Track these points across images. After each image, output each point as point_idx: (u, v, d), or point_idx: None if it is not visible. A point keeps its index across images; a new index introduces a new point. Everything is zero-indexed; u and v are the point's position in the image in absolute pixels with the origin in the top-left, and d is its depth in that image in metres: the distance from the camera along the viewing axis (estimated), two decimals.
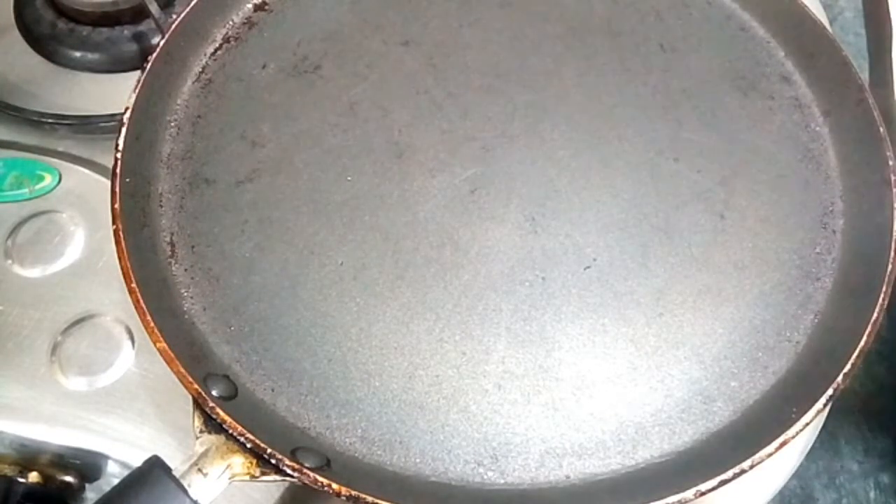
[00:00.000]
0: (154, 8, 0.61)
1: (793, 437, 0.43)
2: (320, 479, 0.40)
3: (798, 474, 0.53)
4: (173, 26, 0.54)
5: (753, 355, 0.48)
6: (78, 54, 0.65)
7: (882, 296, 0.47)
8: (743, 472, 0.42)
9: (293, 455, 0.41)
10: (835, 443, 0.76)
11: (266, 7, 0.59)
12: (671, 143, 0.54)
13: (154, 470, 0.39)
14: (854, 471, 0.75)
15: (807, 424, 0.43)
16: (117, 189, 0.48)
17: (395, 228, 0.51)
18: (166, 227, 0.50)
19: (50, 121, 0.61)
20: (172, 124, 0.54)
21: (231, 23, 0.58)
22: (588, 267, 0.50)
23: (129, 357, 0.53)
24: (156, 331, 0.43)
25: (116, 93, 0.56)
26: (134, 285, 0.44)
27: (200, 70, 0.56)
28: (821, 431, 0.55)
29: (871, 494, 0.74)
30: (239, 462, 0.41)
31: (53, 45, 0.66)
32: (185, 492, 0.39)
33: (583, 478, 0.45)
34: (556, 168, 0.53)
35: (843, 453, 0.75)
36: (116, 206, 0.47)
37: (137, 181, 0.50)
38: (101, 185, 0.58)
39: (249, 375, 0.46)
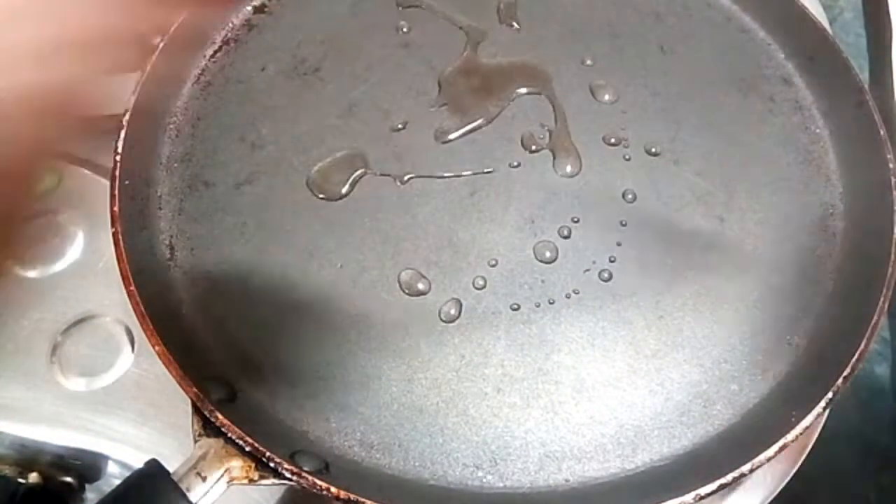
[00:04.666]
0: None
1: (793, 441, 0.43)
2: (319, 482, 0.40)
3: (798, 474, 0.53)
4: (173, 28, 0.54)
5: (753, 358, 0.48)
6: None
7: (882, 298, 0.47)
8: (742, 475, 0.42)
9: (292, 459, 0.41)
10: (835, 443, 0.75)
11: (265, 9, 0.59)
12: (671, 145, 0.54)
13: (153, 473, 0.39)
14: (854, 471, 0.75)
15: (807, 428, 0.43)
16: (116, 191, 0.48)
17: (395, 231, 0.51)
18: (165, 230, 0.50)
19: None
20: (172, 126, 0.54)
21: (230, 25, 0.58)
22: (587, 270, 0.50)
23: (128, 358, 0.53)
24: (154, 334, 0.43)
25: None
26: (133, 288, 0.44)
27: (200, 72, 0.56)
28: (821, 431, 0.55)
29: (871, 495, 0.74)
30: (238, 465, 0.41)
31: None
32: (184, 495, 0.39)
33: (582, 481, 0.45)
34: (555, 171, 0.53)
35: (843, 453, 0.75)
36: (115, 208, 0.47)
37: (136, 183, 0.50)
38: (102, 186, 0.57)
39: (248, 378, 0.46)
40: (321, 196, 0.51)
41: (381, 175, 0.52)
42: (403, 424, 0.45)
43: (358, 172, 0.52)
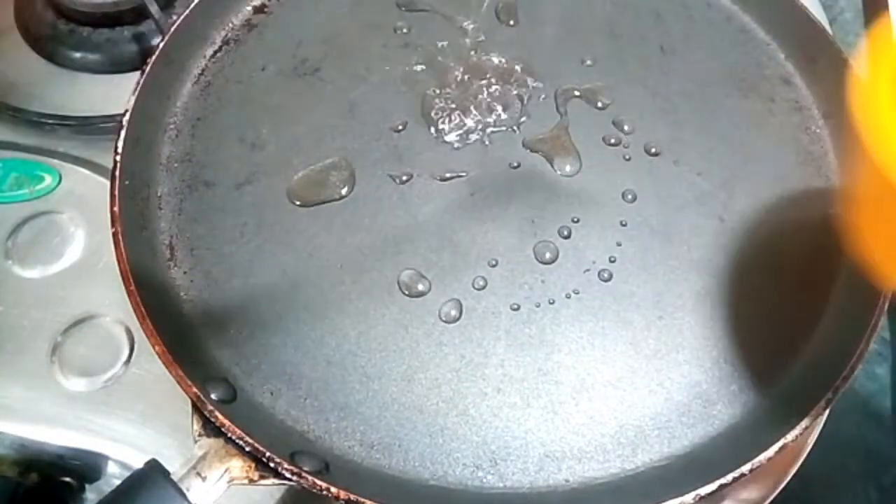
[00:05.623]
0: (154, 9, 0.61)
1: (792, 441, 0.43)
2: (319, 482, 0.40)
3: (798, 474, 0.53)
4: (173, 28, 0.54)
5: (753, 358, 0.48)
6: (78, 55, 0.65)
7: (882, 299, 0.47)
8: (742, 475, 0.42)
9: (292, 459, 0.41)
10: (835, 443, 0.75)
11: (265, 9, 0.59)
12: (671, 145, 0.54)
13: (153, 474, 0.39)
14: (854, 471, 0.75)
15: (807, 428, 0.43)
16: (116, 191, 0.48)
17: (395, 231, 0.50)
18: (165, 230, 0.50)
19: (50, 121, 0.61)
20: (172, 126, 0.54)
21: (230, 25, 0.58)
22: (587, 270, 0.50)
23: (128, 358, 0.53)
24: (154, 334, 0.43)
25: (116, 93, 0.56)
26: (133, 288, 0.44)
27: (200, 72, 0.56)
28: (821, 431, 0.55)
29: (872, 495, 0.74)
30: (238, 465, 0.41)
31: (53, 45, 0.66)
32: (184, 496, 0.39)
33: (582, 481, 0.45)
34: (555, 170, 0.53)
35: (843, 453, 0.75)
36: (115, 208, 0.47)
37: (136, 184, 0.50)
38: (102, 186, 0.58)
39: (248, 378, 0.46)
40: (297, 203, 0.51)
41: (382, 175, 0.52)
42: (403, 424, 0.45)
43: (350, 175, 0.52)
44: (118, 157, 0.49)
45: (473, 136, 0.54)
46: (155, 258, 0.49)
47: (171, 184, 0.52)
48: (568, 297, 0.49)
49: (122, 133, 0.49)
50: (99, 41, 0.65)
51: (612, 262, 0.50)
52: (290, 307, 0.48)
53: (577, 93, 0.56)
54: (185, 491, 0.39)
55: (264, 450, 0.40)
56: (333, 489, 0.40)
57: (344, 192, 0.52)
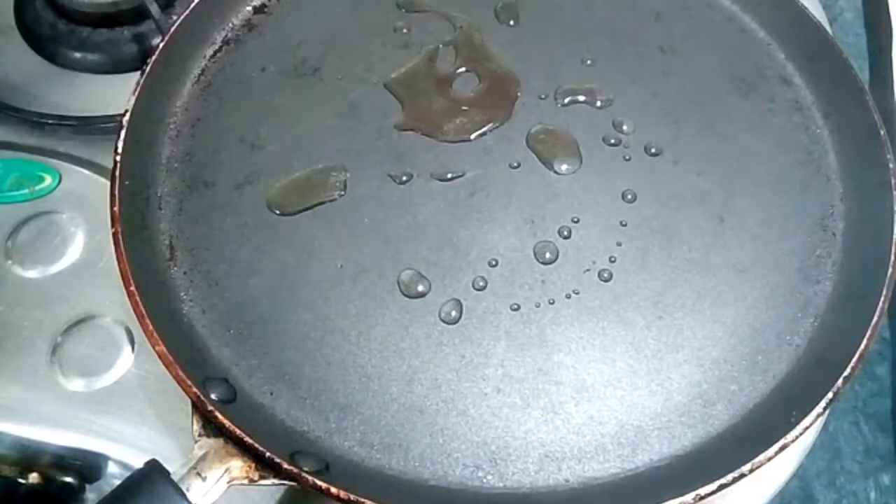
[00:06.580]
0: (154, 9, 0.61)
1: (793, 441, 0.43)
2: (319, 482, 0.40)
3: (798, 475, 0.53)
4: (173, 28, 0.54)
5: (753, 358, 0.48)
6: (78, 55, 0.65)
7: (882, 299, 0.47)
8: (742, 476, 0.42)
9: (292, 459, 0.41)
10: (835, 443, 0.75)
11: (265, 9, 0.59)
12: (671, 146, 0.54)
13: (152, 474, 0.39)
14: (854, 471, 0.75)
15: (807, 428, 0.43)
16: (116, 192, 0.48)
17: (395, 231, 0.51)
18: (165, 230, 0.50)
19: (50, 122, 0.61)
20: (172, 127, 0.54)
21: (230, 25, 0.58)
22: (587, 270, 0.50)
23: (128, 358, 0.53)
24: (154, 334, 0.43)
25: (116, 94, 0.56)
26: (133, 288, 0.44)
27: (200, 72, 0.56)
28: (821, 432, 0.55)
29: (872, 495, 0.74)
30: (238, 465, 0.41)
31: (53, 46, 0.66)
32: (184, 496, 0.39)
33: (582, 481, 0.45)
34: (555, 171, 0.53)
35: (843, 453, 0.75)
36: (115, 208, 0.47)
37: (137, 184, 0.50)
38: (102, 186, 0.57)
39: (248, 379, 0.46)
40: (277, 212, 0.51)
41: (382, 175, 0.52)
42: (403, 424, 0.45)
43: (358, 173, 0.52)
44: (118, 158, 0.49)
45: (473, 136, 0.54)
46: (155, 258, 0.49)
47: (172, 184, 0.52)
48: (568, 297, 0.49)
49: (122, 133, 0.49)
50: (99, 41, 0.65)
51: (612, 262, 0.50)
52: (290, 307, 0.48)
53: (577, 93, 0.56)
54: (185, 491, 0.39)
55: (264, 450, 0.40)
56: (333, 489, 0.40)
57: (344, 192, 0.52)
